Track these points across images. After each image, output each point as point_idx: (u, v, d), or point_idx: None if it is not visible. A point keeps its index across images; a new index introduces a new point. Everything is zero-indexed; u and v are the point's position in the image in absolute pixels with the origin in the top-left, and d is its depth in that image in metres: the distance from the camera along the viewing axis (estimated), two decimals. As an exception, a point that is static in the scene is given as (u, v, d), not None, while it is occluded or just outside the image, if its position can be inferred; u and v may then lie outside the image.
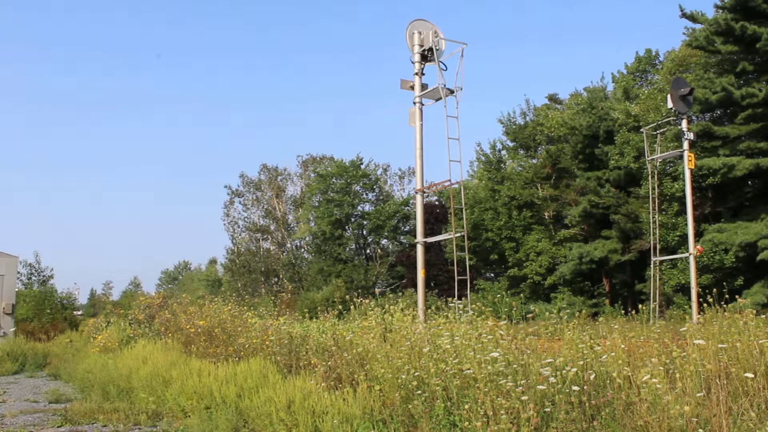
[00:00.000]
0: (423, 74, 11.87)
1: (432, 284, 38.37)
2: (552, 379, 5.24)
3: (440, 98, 11.65)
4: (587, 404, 5.09)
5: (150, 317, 17.88)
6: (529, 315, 8.56)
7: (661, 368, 5.10)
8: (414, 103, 11.74)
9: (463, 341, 6.54)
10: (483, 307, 7.78)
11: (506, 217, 38.13)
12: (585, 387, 5.21)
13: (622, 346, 6.21)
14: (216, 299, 15.86)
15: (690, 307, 18.37)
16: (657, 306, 19.53)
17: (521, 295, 36.73)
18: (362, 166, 48.99)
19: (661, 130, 24.66)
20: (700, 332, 6.24)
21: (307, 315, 21.14)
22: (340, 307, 11.01)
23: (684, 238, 25.03)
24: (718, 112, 29.42)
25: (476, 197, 39.53)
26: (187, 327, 13.23)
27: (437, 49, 11.71)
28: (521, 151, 41.31)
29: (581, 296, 34.56)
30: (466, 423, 5.27)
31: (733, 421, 4.60)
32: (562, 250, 36.18)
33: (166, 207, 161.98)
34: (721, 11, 27.26)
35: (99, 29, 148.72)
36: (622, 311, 27.83)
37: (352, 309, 10.57)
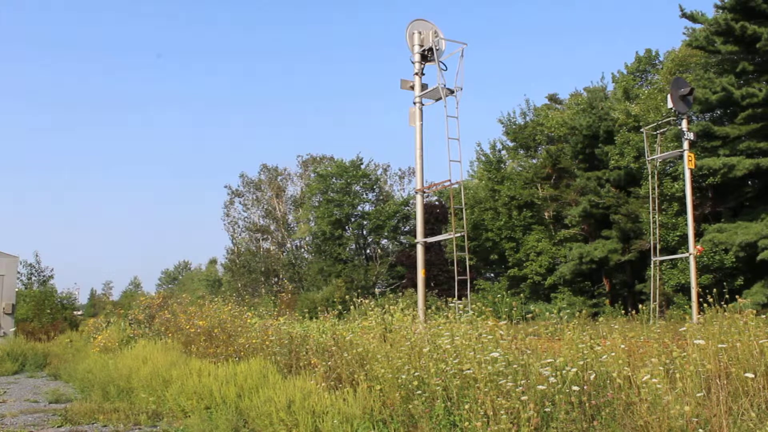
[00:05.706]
0: (423, 74, 11.88)
1: (432, 284, 38.31)
2: (552, 379, 5.24)
3: (440, 98, 11.66)
4: (587, 404, 5.09)
5: (150, 317, 17.88)
6: (529, 315, 8.55)
7: (661, 368, 5.10)
8: (414, 103, 11.75)
9: (463, 341, 6.54)
10: (483, 307, 7.79)
11: (506, 217, 38.12)
12: (585, 387, 5.20)
13: (622, 346, 6.20)
14: (216, 299, 15.87)
15: (690, 307, 18.36)
16: (657, 306, 19.52)
17: (521, 295, 36.70)
18: (362, 166, 48.96)
19: (661, 130, 24.66)
20: (700, 332, 6.24)
21: (307, 315, 21.15)
22: (340, 307, 11.03)
23: (684, 238, 25.03)
24: (718, 112, 29.42)
25: (476, 197, 39.51)
26: (187, 327, 13.24)
27: (437, 49, 11.72)
28: (521, 151, 41.29)
29: (581, 296, 34.53)
30: (466, 423, 5.27)
31: (733, 421, 4.60)
32: (562, 250, 36.17)
33: (166, 207, 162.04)
34: (721, 11, 27.25)
35: (99, 29, 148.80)
36: (622, 311, 27.81)
37: (352, 309, 10.57)
